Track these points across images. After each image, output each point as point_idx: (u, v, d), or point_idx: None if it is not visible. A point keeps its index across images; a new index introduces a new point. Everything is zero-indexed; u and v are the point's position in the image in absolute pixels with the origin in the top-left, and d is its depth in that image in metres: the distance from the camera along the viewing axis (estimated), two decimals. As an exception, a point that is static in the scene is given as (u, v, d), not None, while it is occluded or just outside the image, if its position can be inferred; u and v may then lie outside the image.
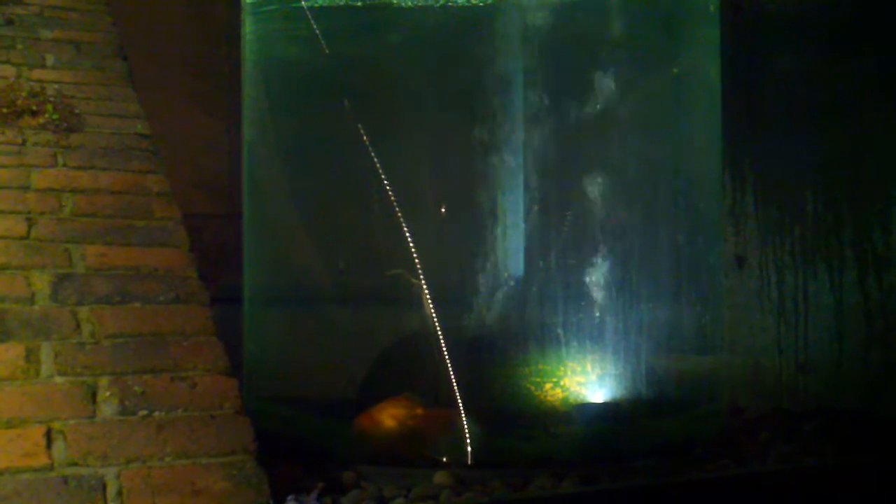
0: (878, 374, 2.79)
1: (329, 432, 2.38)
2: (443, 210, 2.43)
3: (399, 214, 2.35)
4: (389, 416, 2.29)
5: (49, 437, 1.67)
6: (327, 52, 2.47)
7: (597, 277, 2.41)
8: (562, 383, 2.38)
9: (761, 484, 2.20)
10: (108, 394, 1.77)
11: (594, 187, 2.44)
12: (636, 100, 2.53)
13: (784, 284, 3.00)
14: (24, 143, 2.29)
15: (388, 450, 2.25)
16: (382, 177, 2.36)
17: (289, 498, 1.80)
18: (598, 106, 2.45)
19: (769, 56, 3.06)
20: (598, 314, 2.41)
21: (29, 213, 2.10)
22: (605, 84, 2.47)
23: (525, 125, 2.39)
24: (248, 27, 2.77)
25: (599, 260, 2.41)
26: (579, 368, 2.39)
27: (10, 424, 1.67)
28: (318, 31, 2.47)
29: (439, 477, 2.11)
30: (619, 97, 2.50)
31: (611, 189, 2.46)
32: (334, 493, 1.95)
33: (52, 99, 2.41)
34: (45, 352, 1.81)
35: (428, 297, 2.33)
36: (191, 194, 3.53)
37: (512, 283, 2.37)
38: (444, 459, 2.22)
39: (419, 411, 2.30)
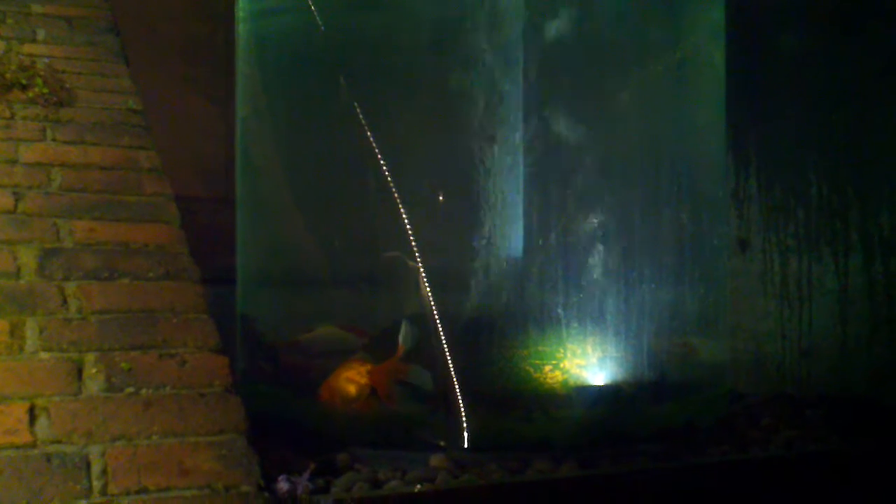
0: (883, 360, 2.75)
1: (323, 414, 2.34)
2: (440, 190, 2.38)
3: (395, 194, 2.30)
4: (346, 381, 2.26)
5: (32, 413, 1.62)
6: (322, 28, 2.42)
7: (598, 259, 2.37)
8: (562, 365, 2.34)
9: (762, 469, 2.17)
10: (94, 370, 1.73)
11: (597, 169, 2.39)
12: (640, 81, 2.48)
13: (788, 268, 2.95)
14: (12, 116, 2.24)
15: (356, 412, 2.22)
16: (378, 156, 2.31)
17: (280, 478, 1.76)
18: (602, 87, 2.41)
19: (773, 37, 3.02)
20: (599, 296, 2.37)
21: (16, 186, 2.05)
22: (610, 65, 2.42)
23: (524, 104, 2.34)
24: (242, 3, 2.72)
25: (601, 242, 2.37)
26: (580, 351, 2.34)
27: (-8, 400, 1.62)
28: (312, 7, 2.42)
29: (435, 460, 2.08)
30: (624, 79, 2.45)
31: (613, 171, 2.41)
32: (328, 475, 1.91)
33: (42, 73, 2.36)
34: (31, 327, 1.76)
35: (424, 278, 2.28)
36: (187, 177, 3.50)
37: (511, 263, 2.33)
38: (441, 443, 2.18)
39: (370, 367, 2.26)
